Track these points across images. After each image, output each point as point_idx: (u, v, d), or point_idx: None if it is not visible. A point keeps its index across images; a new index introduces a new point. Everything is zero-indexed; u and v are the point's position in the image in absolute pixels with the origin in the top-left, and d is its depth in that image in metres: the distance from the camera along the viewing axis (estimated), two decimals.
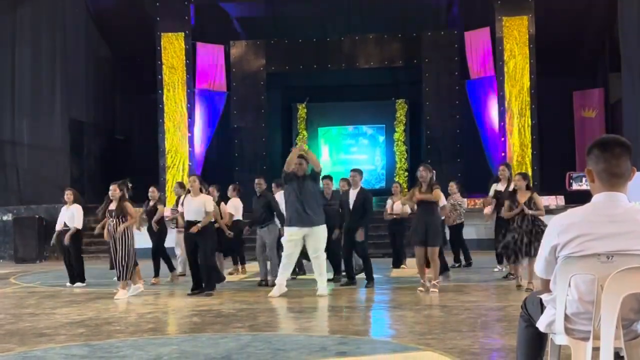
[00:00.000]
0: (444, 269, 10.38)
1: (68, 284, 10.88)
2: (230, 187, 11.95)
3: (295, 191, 9.02)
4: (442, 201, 9.82)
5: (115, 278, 9.63)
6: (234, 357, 5.34)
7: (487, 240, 14.16)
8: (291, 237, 9.04)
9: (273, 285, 9.37)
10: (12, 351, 5.82)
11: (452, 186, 12.52)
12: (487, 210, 11.04)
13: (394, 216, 12.23)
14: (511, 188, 9.53)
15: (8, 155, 18.39)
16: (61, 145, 18.27)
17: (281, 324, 7.34)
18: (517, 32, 18.27)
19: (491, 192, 10.71)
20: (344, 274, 10.42)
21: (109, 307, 8.49)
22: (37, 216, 16.85)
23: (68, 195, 11.03)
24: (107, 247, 10.24)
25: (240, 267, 12.18)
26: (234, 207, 11.55)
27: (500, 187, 10.51)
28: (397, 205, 12.16)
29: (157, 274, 11.04)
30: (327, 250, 9.92)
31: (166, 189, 17.94)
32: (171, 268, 11.19)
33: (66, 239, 10.69)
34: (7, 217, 17.45)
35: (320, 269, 9.05)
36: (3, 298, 9.85)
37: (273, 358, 5.30)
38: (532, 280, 8.87)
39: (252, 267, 11.99)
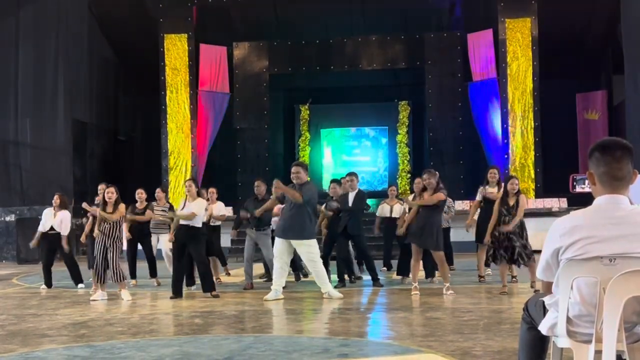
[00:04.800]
0: (431, 273, 10.47)
1: (43, 286, 10.84)
2: (215, 191, 11.79)
3: (288, 201, 9.00)
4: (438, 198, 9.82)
5: (91, 280, 9.66)
6: (235, 359, 5.34)
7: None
8: (279, 245, 9.01)
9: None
10: (14, 352, 5.82)
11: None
12: (469, 221, 10.92)
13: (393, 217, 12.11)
14: (501, 191, 9.54)
15: (11, 156, 18.41)
16: (64, 146, 18.28)
17: (283, 326, 7.33)
18: (520, 34, 18.28)
19: (479, 196, 10.64)
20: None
21: (111, 308, 8.50)
22: (39, 217, 16.82)
23: (56, 199, 11.00)
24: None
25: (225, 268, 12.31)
26: (219, 210, 11.52)
27: (489, 189, 10.45)
28: (397, 207, 12.03)
29: (135, 276, 11.14)
30: (325, 253, 10.06)
31: (169, 190, 17.95)
32: (153, 273, 11.19)
33: (64, 245, 10.70)
34: (10, 218, 17.48)
35: (320, 278, 9.01)
36: (5, 299, 9.86)
37: (275, 359, 5.30)
38: (505, 284, 8.98)
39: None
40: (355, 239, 10.44)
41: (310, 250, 8.98)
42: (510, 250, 8.88)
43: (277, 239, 9.09)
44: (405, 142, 21.73)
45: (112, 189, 9.40)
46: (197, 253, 9.36)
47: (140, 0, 19.60)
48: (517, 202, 9.02)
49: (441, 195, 9.07)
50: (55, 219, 10.88)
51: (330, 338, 6.24)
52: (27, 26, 18.37)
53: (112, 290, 9.60)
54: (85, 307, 8.70)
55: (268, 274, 10.84)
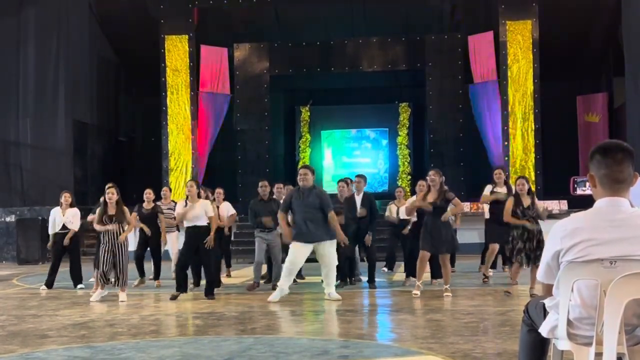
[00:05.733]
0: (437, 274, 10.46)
1: (43, 286, 10.77)
2: (222, 191, 11.81)
3: (300, 206, 8.93)
4: (461, 209, 9.87)
5: (91, 280, 9.69)
6: None
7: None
8: (296, 247, 8.95)
9: (275, 287, 9.37)
10: (14, 352, 5.83)
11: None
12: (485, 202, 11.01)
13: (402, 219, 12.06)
14: (513, 191, 9.47)
15: (12, 156, 18.43)
16: (64, 146, 18.29)
17: (283, 327, 7.34)
18: (520, 37, 18.28)
19: (487, 191, 10.60)
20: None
21: (111, 309, 8.50)
22: (40, 217, 16.85)
23: (66, 197, 10.97)
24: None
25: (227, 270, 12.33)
26: (227, 211, 11.54)
27: (497, 189, 10.45)
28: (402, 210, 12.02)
29: (142, 275, 11.14)
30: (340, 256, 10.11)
31: (171, 193, 17.94)
32: (157, 276, 11.17)
33: (66, 241, 10.71)
34: (10, 219, 17.46)
35: (330, 278, 9.03)
36: (6, 299, 9.85)
37: None
38: (534, 285, 8.88)
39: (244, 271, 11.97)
40: (367, 248, 10.43)
41: (333, 250, 9.02)
42: (531, 250, 8.74)
43: (297, 244, 8.94)
44: (406, 143, 21.72)
45: (112, 190, 9.30)
46: (207, 255, 9.33)
47: (141, 1, 19.60)
48: (532, 202, 8.92)
49: (459, 201, 9.09)
50: (66, 217, 10.85)
51: (331, 340, 6.24)
52: (28, 27, 18.39)
53: (113, 292, 9.58)
54: (86, 307, 8.70)
55: (270, 276, 10.81)
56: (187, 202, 9.41)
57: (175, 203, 11.40)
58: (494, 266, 11.09)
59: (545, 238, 8.09)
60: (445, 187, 9.19)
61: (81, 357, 5.59)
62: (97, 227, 9.43)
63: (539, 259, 8.62)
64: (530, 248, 8.75)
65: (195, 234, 9.26)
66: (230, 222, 11.52)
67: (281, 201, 10.12)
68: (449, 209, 9.19)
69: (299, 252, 8.95)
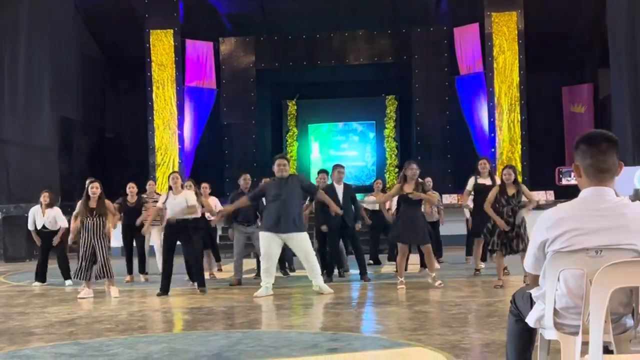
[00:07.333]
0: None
1: (35, 282, 10.76)
2: (207, 186, 11.78)
3: (277, 195, 8.76)
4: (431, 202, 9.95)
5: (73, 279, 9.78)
6: (224, 355, 5.33)
7: None
8: (268, 242, 8.79)
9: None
10: (2, 350, 5.79)
11: (429, 182, 12.25)
12: (463, 202, 11.10)
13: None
14: (499, 181, 9.44)
15: None
16: (51, 143, 18.16)
17: (272, 321, 7.34)
18: (506, 28, 18.33)
19: (469, 186, 10.55)
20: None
21: (99, 306, 8.47)
22: (26, 215, 16.69)
23: (45, 197, 10.88)
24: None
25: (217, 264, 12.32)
26: (214, 206, 11.53)
27: (481, 180, 10.38)
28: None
29: (131, 272, 11.16)
30: (321, 248, 10.07)
31: (156, 186, 17.87)
32: (142, 269, 11.24)
33: (55, 241, 10.72)
34: None
35: (314, 271, 8.93)
36: None
37: (264, 355, 5.29)
38: (501, 277, 8.96)
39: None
40: (350, 232, 10.41)
41: (306, 242, 8.81)
42: (508, 240, 8.77)
43: (265, 235, 8.83)
44: (393, 136, 21.73)
45: (96, 184, 9.25)
46: (190, 244, 9.23)
47: None
48: (518, 192, 8.92)
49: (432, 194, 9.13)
50: (46, 217, 10.79)
51: (319, 333, 6.25)
52: (13, 24, 18.21)
53: (100, 288, 9.55)
54: (73, 304, 8.66)
55: (259, 270, 10.77)
56: (170, 194, 9.33)
57: (160, 195, 11.38)
58: (484, 259, 11.09)
59: (529, 229, 8.17)
60: (421, 181, 9.28)
61: (69, 354, 5.57)
62: (74, 224, 9.39)
63: (515, 249, 8.70)
64: (508, 237, 8.76)
65: (176, 227, 9.13)
66: (217, 219, 11.50)
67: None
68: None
69: (270, 242, 8.76)
